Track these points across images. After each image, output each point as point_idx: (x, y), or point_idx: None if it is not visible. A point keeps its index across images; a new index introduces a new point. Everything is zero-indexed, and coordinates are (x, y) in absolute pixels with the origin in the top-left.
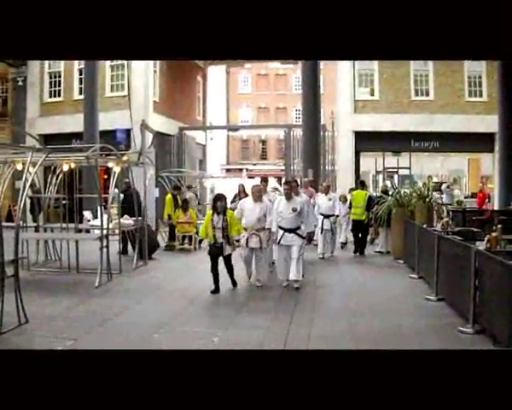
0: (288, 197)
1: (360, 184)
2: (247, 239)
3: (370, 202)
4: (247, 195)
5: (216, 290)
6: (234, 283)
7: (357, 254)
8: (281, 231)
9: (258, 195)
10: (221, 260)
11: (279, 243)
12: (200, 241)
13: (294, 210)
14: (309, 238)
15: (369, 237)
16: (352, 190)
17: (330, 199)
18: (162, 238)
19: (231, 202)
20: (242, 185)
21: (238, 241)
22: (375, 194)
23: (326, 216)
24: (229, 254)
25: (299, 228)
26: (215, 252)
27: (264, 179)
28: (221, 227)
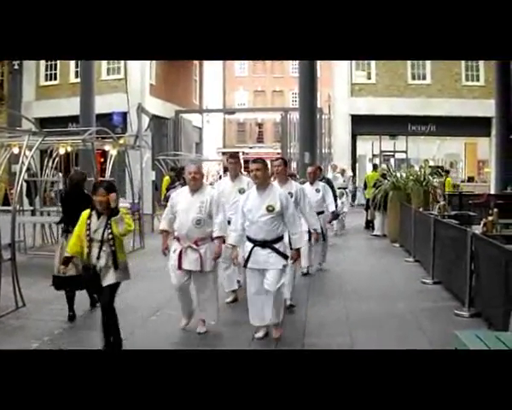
0: (261, 187)
1: (373, 166)
2: (179, 256)
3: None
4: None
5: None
6: (117, 345)
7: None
8: (249, 245)
9: (198, 181)
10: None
11: (246, 264)
12: None
13: (271, 210)
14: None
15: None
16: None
17: (318, 190)
18: (158, 221)
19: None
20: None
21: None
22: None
23: None
24: (113, 287)
25: (279, 240)
26: (88, 280)
27: (233, 156)
28: (101, 239)
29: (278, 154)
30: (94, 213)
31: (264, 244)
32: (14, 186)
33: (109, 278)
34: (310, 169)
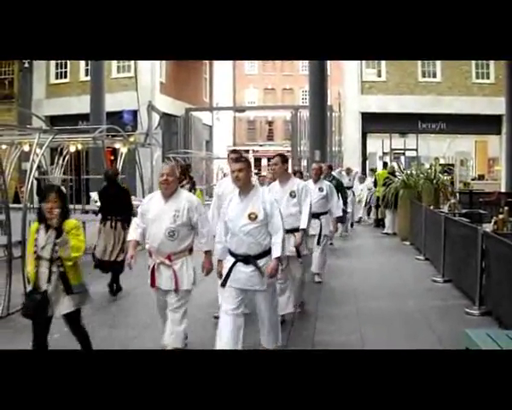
0: (244, 191)
1: (383, 164)
2: (152, 273)
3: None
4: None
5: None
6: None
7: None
8: (230, 260)
9: (171, 184)
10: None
11: (224, 283)
12: None
13: (253, 218)
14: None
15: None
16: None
17: (322, 189)
18: None
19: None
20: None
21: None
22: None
23: (313, 215)
24: (71, 317)
25: (265, 255)
26: (33, 308)
27: (234, 152)
28: (50, 258)
29: (288, 152)
30: (42, 225)
31: (247, 260)
32: (25, 184)
33: (64, 307)
34: (314, 166)
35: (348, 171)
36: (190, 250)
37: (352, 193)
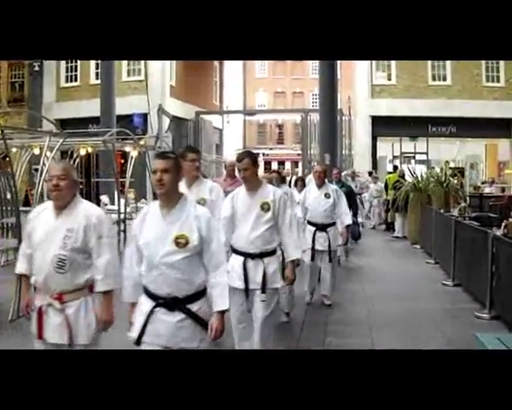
0: (165, 202)
1: (394, 168)
2: (39, 318)
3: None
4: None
5: None
6: None
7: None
8: (146, 304)
9: (64, 192)
10: None
11: (138, 340)
12: None
13: (182, 244)
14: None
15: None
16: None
17: (328, 195)
18: None
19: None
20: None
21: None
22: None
23: (320, 227)
24: None
25: (198, 297)
26: None
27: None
28: None
29: (298, 155)
30: None
31: (171, 305)
32: (35, 187)
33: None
34: (316, 168)
35: (353, 175)
36: (91, 288)
37: (360, 201)
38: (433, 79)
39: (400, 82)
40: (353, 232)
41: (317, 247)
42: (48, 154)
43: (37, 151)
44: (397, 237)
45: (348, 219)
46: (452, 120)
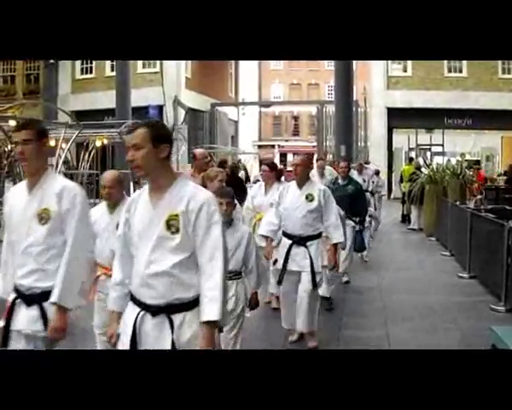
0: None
1: (409, 160)
2: None
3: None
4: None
5: None
6: None
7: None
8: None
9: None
10: None
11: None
12: None
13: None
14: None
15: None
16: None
17: (310, 197)
18: None
19: None
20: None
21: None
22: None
23: (296, 240)
24: None
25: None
26: None
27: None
28: None
29: (314, 147)
30: None
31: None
32: None
33: None
34: (296, 160)
35: (360, 168)
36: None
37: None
38: (449, 70)
39: (416, 74)
40: (357, 243)
41: (291, 267)
42: (63, 145)
43: (52, 143)
44: (412, 229)
45: (338, 236)
46: (468, 111)
